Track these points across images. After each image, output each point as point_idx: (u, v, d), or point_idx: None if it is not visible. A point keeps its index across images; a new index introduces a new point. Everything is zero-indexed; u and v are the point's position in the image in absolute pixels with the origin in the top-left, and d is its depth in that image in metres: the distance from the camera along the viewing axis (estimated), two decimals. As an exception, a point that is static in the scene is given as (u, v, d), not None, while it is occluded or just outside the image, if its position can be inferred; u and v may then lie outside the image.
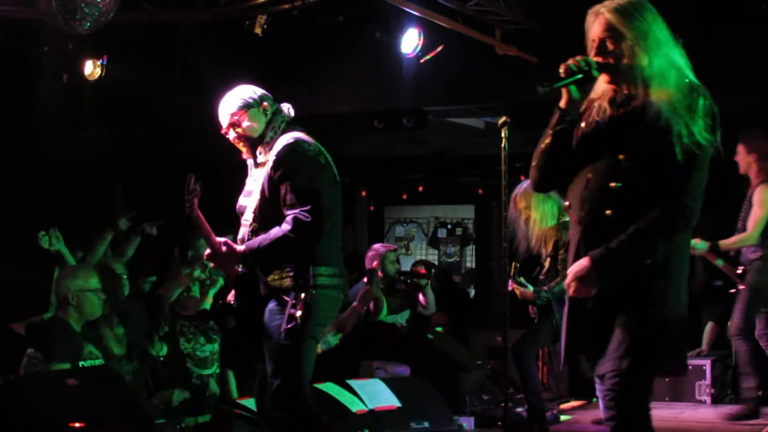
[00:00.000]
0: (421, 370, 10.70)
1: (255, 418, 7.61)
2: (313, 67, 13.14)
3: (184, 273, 9.59)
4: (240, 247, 6.17)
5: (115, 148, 17.69)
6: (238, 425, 7.72)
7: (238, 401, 8.48)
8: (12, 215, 14.81)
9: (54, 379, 6.80)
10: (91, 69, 12.53)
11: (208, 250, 6.27)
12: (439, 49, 12.08)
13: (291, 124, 6.36)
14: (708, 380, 12.13)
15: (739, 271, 10.40)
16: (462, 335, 12.23)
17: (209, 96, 14.19)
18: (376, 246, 12.16)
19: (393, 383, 10.02)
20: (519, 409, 10.16)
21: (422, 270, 11.79)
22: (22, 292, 5.16)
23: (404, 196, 20.65)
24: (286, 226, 5.99)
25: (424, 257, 20.25)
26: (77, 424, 6.24)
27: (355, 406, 9.33)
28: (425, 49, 12.00)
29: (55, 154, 18.04)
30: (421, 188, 20.49)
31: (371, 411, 9.45)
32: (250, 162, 6.39)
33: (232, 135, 6.35)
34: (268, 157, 6.20)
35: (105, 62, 12.56)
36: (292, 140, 6.17)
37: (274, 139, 6.25)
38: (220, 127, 6.41)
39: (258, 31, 11.35)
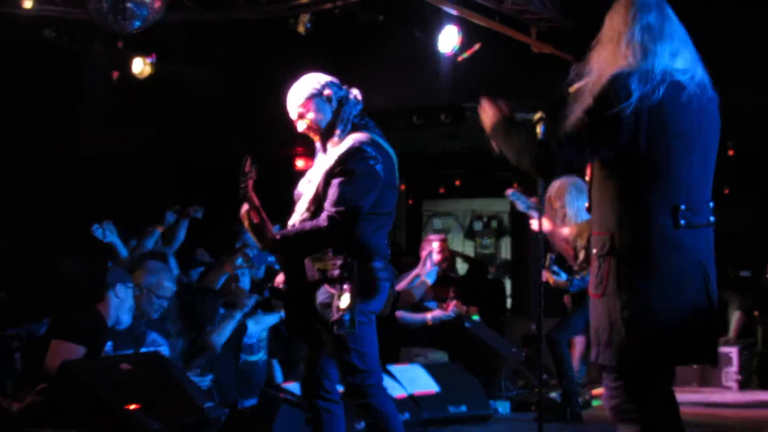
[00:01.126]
0: (459, 357, 10.74)
1: (299, 402, 7.67)
2: (352, 65, 13.15)
3: (228, 261, 9.63)
4: (276, 235, 6.07)
5: (163, 143, 17.76)
6: (283, 409, 7.76)
7: (283, 386, 8.52)
8: (70, 209, 14.88)
9: (109, 365, 6.87)
10: (141, 67, 12.62)
11: (255, 220, 6.23)
12: (477, 47, 12.09)
13: (361, 117, 6.25)
14: (735, 367, 12.14)
15: None
16: (498, 324, 12.27)
17: (253, 93, 14.39)
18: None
19: (432, 369, 10.04)
20: (552, 395, 10.18)
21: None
22: (82, 282, 5.23)
23: (441, 190, 20.67)
24: (321, 222, 5.92)
25: (461, 249, 20.23)
26: (132, 406, 6.29)
27: (396, 391, 9.34)
28: (463, 47, 12.02)
29: (107, 149, 18.15)
30: (458, 182, 20.50)
31: (411, 396, 9.49)
32: (319, 147, 6.34)
33: (301, 126, 6.28)
34: (334, 151, 6.11)
35: (154, 60, 12.64)
36: (357, 144, 6.03)
37: (344, 134, 6.14)
38: (288, 115, 6.31)
39: (301, 29, 11.40)
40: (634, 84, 4.78)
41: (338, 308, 5.86)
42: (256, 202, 6.06)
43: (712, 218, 5.01)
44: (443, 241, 11.97)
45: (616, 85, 4.81)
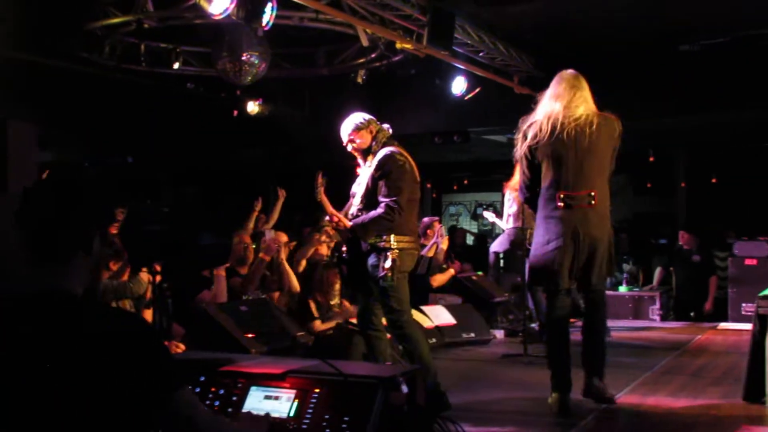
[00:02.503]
0: (469, 300, 10.68)
1: (358, 330, 7.64)
2: (392, 103, 13.09)
3: (315, 237, 9.54)
4: (349, 223, 6.21)
5: (267, 160, 17.79)
6: (352, 337, 7.69)
7: (351, 320, 8.45)
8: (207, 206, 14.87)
9: (233, 307, 6.83)
10: (252, 107, 12.58)
11: (327, 217, 6.32)
12: (478, 90, 12.03)
13: (389, 139, 6.32)
14: (657, 305, 12.03)
15: None
16: (495, 277, 12.14)
17: (327, 124, 14.33)
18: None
19: (450, 308, 10.00)
20: (533, 325, 10.06)
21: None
22: (215, 249, 5.30)
23: (455, 187, 20.66)
24: (380, 210, 6.07)
25: (467, 226, 20.18)
26: (250, 335, 6.27)
27: (426, 323, 9.31)
28: (468, 90, 11.96)
29: (230, 162, 18.18)
30: (466, 181, 20.50)
31: (436, 326, 9.45)
32: (361, 162, 6.41)
33: (349, 147, 6.36)
34: (372, 162, 6.21)
35: (261, 102, 12.60)
36: (388, 152, 6.15)
37: (376, 150, 6.24)
38: (341, 141, 6.40)
39: (359, 80, 11.38)
40: None
41: (383, 268, 6.07)
42: (327, 203, 6.24)
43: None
44: (438, 222, 11.92)
45: None
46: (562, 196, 5.82)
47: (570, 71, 6.24)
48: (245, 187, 18.56)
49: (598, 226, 5.91)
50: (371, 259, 6.18)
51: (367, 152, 6.31)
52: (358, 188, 6.36)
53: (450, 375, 7.45)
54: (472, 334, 9.74)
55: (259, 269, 7.59)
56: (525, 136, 6.08)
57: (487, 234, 18.20)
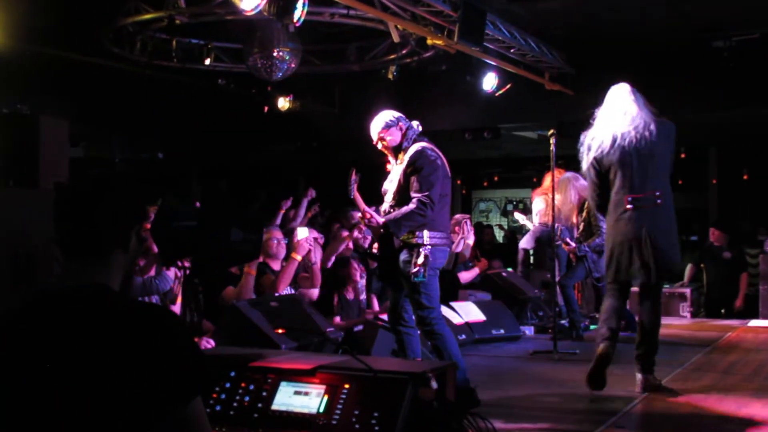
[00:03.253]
0: (498, 296, 10.64)
1: (388, 327, 7.64)
2: (424, 100, 13.10)
3: (342, 234, 9.52)
4: (381, 219, 6.22)
5: (298, 155, 17.82)
6: (380, 333, 7.69)
7: (379, 314, 8.46)
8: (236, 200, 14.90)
9: (263, 303, 6.84)
10: (283, 103, 12.60)
11: (359, 214, 6.33)
12: (509, 86, 12.00)
13: (420, 136, 6.32)
14: (688, 302, 11.94)
15: None
16: (524, 274, 12.11)
17: (357, 120, 14.33)
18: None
19: (480, 304, 9.98)
20: (563, 322, 10.03)
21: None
22: (245, 245, 5.29)
23: (485, 183, 20.60)
24: (412, 205, 6.06)
25: (498, 223, 20.14)
26: (280, 330, 6.28)
27: (456, 319, 9.30)
28: (499, 86, 11.94)
29: (262, 158, 18.23)
30: (496, 178, 20.45)
31: (466, 322, 9.43)
32: (392, 160, 6.40)
33: (380, 145, 6.36)
34: (403, 159, 6.20)
35: (291, 99, 12.62)
36: (420, 148, 6.15)
37: (407, 147, 6.23)
38: (371, 140, 6.39)
39: (390, 76, 11.35)
40: None
41: (415, 264, 6.03)
42: (359, 199, 6.26)
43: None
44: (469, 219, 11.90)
45: None
46: (629, 198, 6.41)
47: (624, 84, 6.79)
48: (275, 182, 18.68)
49: (665, 223, 6.49)
50: (403, 255, 6.16)
51: (397, 150, 6.30)
52: (390, 185, 6.35)
53: (480, 371, 7.45)
54: (502, 331, 9.71)
55: (290, 268, 7.58)
56: (589, 149, 6.61)
57: (517, 231, 18.12)
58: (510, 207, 20.87)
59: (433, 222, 6.10)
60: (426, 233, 6.07)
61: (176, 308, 6.88)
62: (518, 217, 11.97)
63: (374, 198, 6.51)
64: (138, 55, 10.31)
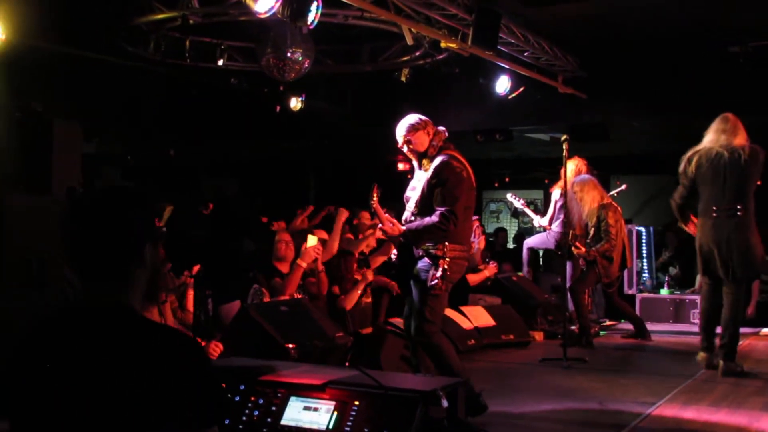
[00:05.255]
0: (508, 301, 10.62)
1: (402, 334, 7.62)
2: (437, 101, 13.07)
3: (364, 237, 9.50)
4: (402, 228, 6.13)
5: (309, 153, 17.84)
6: (389, 338, 7.68)
7: (389, 320, 8.44)
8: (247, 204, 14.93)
9: (272, 307, 6.83)
10: (295, 103, 12.58)
11: (380, 225, 6.25)
12: (521, 89, 11.96)
13: (446, 142, 6.19)
14: (699, 309, 11.84)
15: None
16: (534, 277, 12.09)
17: (369, 120, 14.37)
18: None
19: (489, 309, 9.96)
20: (572, 327, 10.01)
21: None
22: (256, 255, 5.24)
23: (496, 184, 20.55)
24: (434, 218, 5.93)
25: (508, 226, 20.12)
26: (288, 335, 6.25)
27: (465, 324, 9.29)
28: (512, 89, 11.91)
29: (268, 156, 18.25)
30: (507, 179, 20.41)
31: (475, 327, 9.41)
32: (416, 165, 6.31)
33: (405, 149, 6.21)
34: (428, 167, 6.09)
35: (303, 98, 12.61)
36: (446, 158, 6.02)
37: (433, 153, 6.11)
38: (396, 142, 6.26)
39: (403, 79, 11.35)
40: None
41: (434, 276, 5.93)
42: (380, 212, 6.17)
43: None
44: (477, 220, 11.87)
45: None
46: (714, 208, 7.76)
47: (730, 114, 7.97)
48: (285, 180, 18.70)
49: (743, 231, 7.70)
50: (421, 263, 6.06)
51: (423, 155, 6.17)
52: (413, 193, 6.24)
53: (488, 378, 7.44)
54: (511, 336, 9.70)
55: (296, 275, 7.57)
56: (689, 161, 7.92)
57: (526, 232, 18.11)
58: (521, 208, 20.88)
59: (455, 234, 5.99)
60: (447, 246, 5.95)
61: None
62: (514, 201, 12.02)
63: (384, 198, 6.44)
64: (151, 53, 10.29)
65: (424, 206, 6.07)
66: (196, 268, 5.25)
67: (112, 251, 2.40)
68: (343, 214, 8.99)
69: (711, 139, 7.91)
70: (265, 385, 3.68)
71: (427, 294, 5.98)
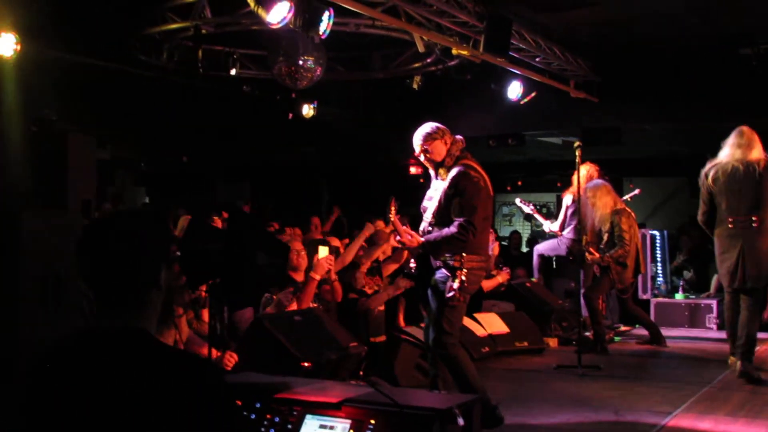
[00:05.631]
0: (522, 307, 10.59)
1: (418, 343, 7.62)
2: (448, 105, 13.07)
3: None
4: (420, 239, 6.12)
5: (321, 159, 17.88)
6: (403, 347, 7.68)
7: (404, 328, 8.42)
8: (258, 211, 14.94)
9: (286, 317, 6.82)
10: (307, 110, 12.59)
11: (398, 237, 6.22)
12: (533, 94, 11.94)
13: (463, 152, 6.18)
14: (714, 314, 11.85)
15: None
16: (547, 283, 12.04)
17: (382, 126, 14.39)
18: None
19: (503, 316, 9.93)
20: (587, 333, 9.98)
21: None
22: (270, 271, 5.22)
23: (509, 188, 20.54)
24: (453, 229, 5.92)
25: (520, 229, 20.10)
26: (303, 346, 6.22)
27: (479, 331, 9.26)
28: (524, 94, 11.90)
29: (282, 160, 18.27)
30: (519, 182, 20.40)
31: (489, 334, 9.38)
32: (432, 175, 6.30)
33: (422, 158, 6.21)
34: (445, 176, 6.08)
35: (315, 105, 12.62)
36: (463, 169, 6.01)
37: (450, 163, 6.10)
38: (413, 151, 6.25)
39: (415, 86, 11.36)
40: None
41: (451, 288, 5.92)
42: (398, 225, 6.15)
43: None
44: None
45: None
46: (731, 219, 7.97)
47: (746, 127, 8.12)
48: (298, 186, 18.73)
49: (759, 241, 7.91)
50: (439, 274, 6.05)
51: (440, 165, 6.15)
52: (430, 203, 6.22)
53: (503, 386, 7.43)
54: (525, 343, 9.67)
55: (310, 287, 7.56)
56: (707, 175, 8.14)
57: (539, 236, 18.08)
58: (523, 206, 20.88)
59: (473, 245, 5.97)
60: (465, 256, 5.93)
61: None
62: (522, 206, 11.99)
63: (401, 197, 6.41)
64: (164, 62, 10.33)
65: (442, 216, 6.06)
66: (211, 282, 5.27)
67: (127, 275, 2.40)
68: (369, 230, 8.99)
69: (727, 153, 8.09)
70: (281, 403, 3.67)
71: (445, 305, 5.96)
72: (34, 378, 2.38)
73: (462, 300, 5.97)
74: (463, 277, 5.90)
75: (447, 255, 5.99)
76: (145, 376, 2.27)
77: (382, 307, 9.00)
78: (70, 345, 2.39)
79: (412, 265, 6.46)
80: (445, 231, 5.97)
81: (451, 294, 5.90)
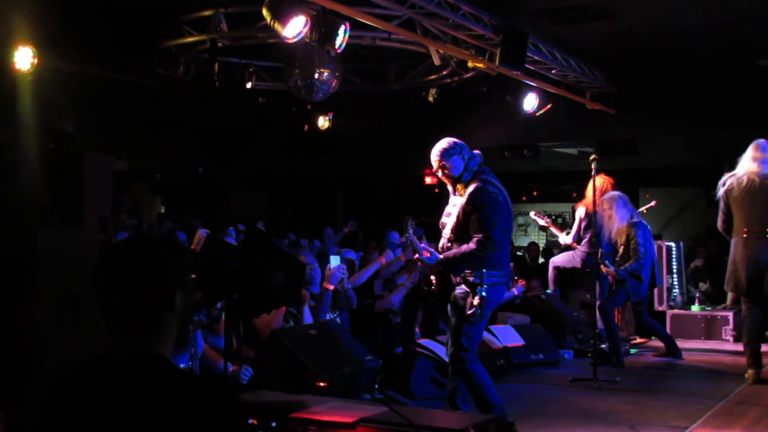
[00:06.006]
0: (537, 319, 10.55)
1: (434, 356, 7.61)
2: (463, 116, 13.08)
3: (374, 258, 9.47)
4: (439, 256, 6.10)
5: (337, 169, 17.90)
6: (419, 361, 7.66)
7: (420, 341, 8.40)
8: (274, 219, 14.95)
9: (302, 331, 6.81)
10: (323, 122, 12.63)
11: (416, 255, 6.21)
12: (549, 106, 11.94)
13: (481, 167, 6.16)
14: (731, 326, 11.76)
15: None
16: (563, 294, 11.99)
17: (397, 136, 14.41)
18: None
19: (518, 328, 9.88)
20: (603, 346, 9.93)
21: None
22: (286, 288, 5.22)
23: (524, 198, 20.54)
24: (472, 245, 5.89)
25: (536, 239, 20.06)
26: (318, 360, 6.21)
27: (494, 344, 9.22)
28: (540, 106, 11.89)
29: (299, 173, 18.30)
30: (534, 192, 20.39)
31: (504, 347, 9.34)
32: (450, 190, 6.29)
33: (440, 174, 6.20)
34: (463, 192, 6.06)
35: (331, 117, 12.65)
36: (481, 184, 5.99)
37: (468, 178, 6.08)
38: (431, 167, 6.21)
39: (430, 99, 11.37)
40: None
41: (471, 304, 5.90)
42: (416, 242, 6.15)
43: None
44: None
45: None
46: (745, 229, 8.21)
47: (763, 141, 8.32)
48: (314, 195, 18.76)
49: None
50: (459, 291, 6.03)
51: (457, 180, 6.13)
52: (448, 219, 6.20)
53: (519, 400, 7.39)
54: (541, 356, 9.61)
55: (324, 299, 7.57)
56: (723, 184, 8.39)
57: (554, 246, 18.04)
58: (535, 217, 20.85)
59: (493, 261, 5.94)
60: (484, 273, 5.90)
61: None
62: (537, 218, 11.97)
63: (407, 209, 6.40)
64: (181, 75, 10.38)
65: (460, 233, 6.03)
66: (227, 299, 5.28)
67: (143, 301, 2.40)
68: (379, 262, 8.97)
69: (744, 165, 8.34)
70: (297, 423, 3.68)
71: (465, 321, 5.95)
72: (53, 405, 2.38)
73: (482, 316, 5.95)
74: (483, 294, 5.87)
75: (466, 271, 5.96)
76: (161, 403, 2.27)
77: (398, 318, 8.98)
78: (88, 372, 2.39)
79: (432, 281, 6.42)
80: (464, 247, 5.94)
81: (471, 311, 5.88)
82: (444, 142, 6.19)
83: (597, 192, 9.85)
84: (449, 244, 6.13)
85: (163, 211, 18.70)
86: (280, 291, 4.59)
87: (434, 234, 7.66)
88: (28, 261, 4.66)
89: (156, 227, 12.82)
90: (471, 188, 6.01)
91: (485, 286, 5.90)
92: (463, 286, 6.01)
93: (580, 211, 11.00)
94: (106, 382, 2.33)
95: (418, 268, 9.22)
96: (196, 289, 5.76)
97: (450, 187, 6.28)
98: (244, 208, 18.08)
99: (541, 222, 11.92)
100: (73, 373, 2.40)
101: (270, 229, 13.80)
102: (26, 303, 4.63)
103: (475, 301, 5.87)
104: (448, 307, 6.14)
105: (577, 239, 11.02)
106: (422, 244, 6.27)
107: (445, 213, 6.30)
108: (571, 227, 11.72)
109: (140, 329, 2.40)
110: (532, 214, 12.37)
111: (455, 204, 6.17)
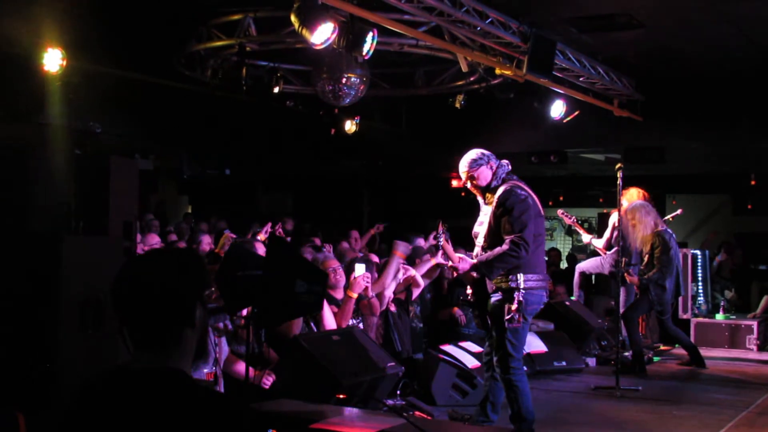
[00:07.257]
0: (560, 326, 10.50)
1: (456, 362, 7.60)
2: (490, 122, 13.07)
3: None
4: (473, 260, 6.11)
5: (364, 172, 17.91)
6: (441, 367, 7.64)
7: (442, 347, 8.38)
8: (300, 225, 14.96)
9: (325, 338, 6.80)
10: (350, 126, 12.63)
11: (450, 263, 6.23)
12: (577, 113, 11.89)
13: (509, 175, 6.18)
14: (755, 335, 11.67)
15: None
16: (587, 301, 11.94)
17: (424, 141, 14.40)
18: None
19: (542, 335, 9.86)
20: (626, 354, 9.89)
21: None
22: (308, 298, 5.22)
23: (550, 203, 20.46)
24: (505, 246, 5.88)
25: (561, 245, 20.00)
26: (341, 366, 6.19)
27: (517, 351, 9.19)
28: (567, 113, 11.85)
29: (325, 175, 18.33)
30: (561, 197, 20.30)
31: (528, 353, 9.29)
32: (480, 201, 6.29)
33: (468, 185, 6.22)
34: (493, 199, 6.06)
35: (358, 121, 12.65)
36: (509, 187, 6.01)
37: (497, 187, 6.08)
38: (459, 178, 6.26)
39: (457, 105, 11.35)
40: None
41: (510, 310, 5.89)
42: (449, 249, 6.19)
43: None
44: None
45: None
46: None
47: None
48: (339, 197, 18.79)
49: None
50: (495, 298, 6.02)
51: (486, 190, 6.14)
52: (480, 228, 6.21)
53: (541, 407, 7.34)
54: (564, 363, 9.58)
55: (348, 306, 7.56)
56: None
57: (581, 251, 17.97)
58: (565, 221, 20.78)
59: (528, 263, 5.91)
60: (521, 276, 5.89)
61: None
62: (565, 217, 11.93)
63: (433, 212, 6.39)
64: (209, 78, 10.41)
65: (493, 238, 6.03)
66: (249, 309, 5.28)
67: (162, 315, 2.40)
68: (397, 258, 8.94)
69: None
70: (316, 434, 3.67)
71: (506, 329, 5.94)
72: (71, 416, 2.39)
73: (521, 321, 5.93)
74: (521, 299, 5.86)
75: (502, 277, 5.96)
76: (178, 419, 2.28)
77: (421, 324, 8.96)
78: (107, 384, 2.40)
79: (468, 292, 6.41)
80: (497, 249, 5.94)
81: (509, 316, 5.86)
82: (472, 153, 6.22)
83: (626, 201, 9.83)
84: (482, 252, 6.13)
85: (189, 210, 18.79)
86: (301, 300, 4.58)
87: (460, 238, 7.66)
88: (54, 267, 4.68)
89: (185, 228, 12.84)
90: (499, 192, 6.04)
91: (522, 291, 5.89)
92: (498, 293, 6.01)
93: (614, 217, 10.93)
94: (125, 396, 2.34)
95: (445, 274, 9.24)
96: (219, 297, 5.80)
97: (480, 198, 6.29)
98: (270, 209, 18.13)
99: (568, 221, 11.84)
100: (92, 384, 2.42)
101: (297, 230, 13.82)
102: (51, 308, 4.66)
103: (513, 306, 5.86)
104: (488, 318, 6.15)
105: (608, 245, 10.96)
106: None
107: (477, 222, 6.32)
108: (596, 232, 11.68)
109: (161, 345, 2.40)
110: (558, 212, 12.32)
111: (486, 213, 6.18)
